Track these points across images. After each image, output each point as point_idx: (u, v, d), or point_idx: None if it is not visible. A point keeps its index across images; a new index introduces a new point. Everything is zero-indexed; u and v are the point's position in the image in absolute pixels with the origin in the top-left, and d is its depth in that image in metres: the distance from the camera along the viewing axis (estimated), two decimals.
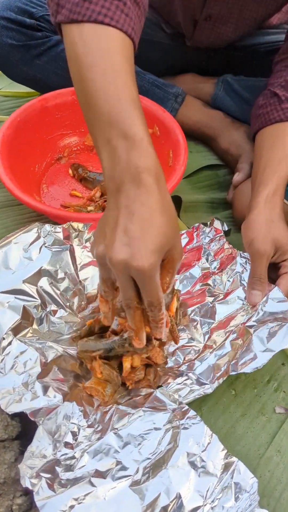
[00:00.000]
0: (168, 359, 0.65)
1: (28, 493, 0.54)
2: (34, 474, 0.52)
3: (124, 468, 0.53)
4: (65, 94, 0.88)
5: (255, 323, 0.64)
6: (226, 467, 0.53)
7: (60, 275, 0.70)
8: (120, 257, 0.45)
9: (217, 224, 0.81)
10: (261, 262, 0.66)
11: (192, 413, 0.57)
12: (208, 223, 0.81)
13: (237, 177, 0.87)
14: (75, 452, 0.55)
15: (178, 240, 0.49)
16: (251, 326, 0.63)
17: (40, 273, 0.68)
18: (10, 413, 0.55)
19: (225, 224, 0.80)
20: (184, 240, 0.80)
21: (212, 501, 0.51)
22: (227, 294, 0.70)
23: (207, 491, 0.52)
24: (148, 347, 0.58)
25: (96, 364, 0.61)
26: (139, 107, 0.50)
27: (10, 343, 0.63)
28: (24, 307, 0.65)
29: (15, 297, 0.65)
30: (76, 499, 0.50)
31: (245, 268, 0.71)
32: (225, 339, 0.64)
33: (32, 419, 0.56)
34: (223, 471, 0.53)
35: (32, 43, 0.86)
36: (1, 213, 0.89)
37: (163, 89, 0.93)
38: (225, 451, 0.54)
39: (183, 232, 0.81)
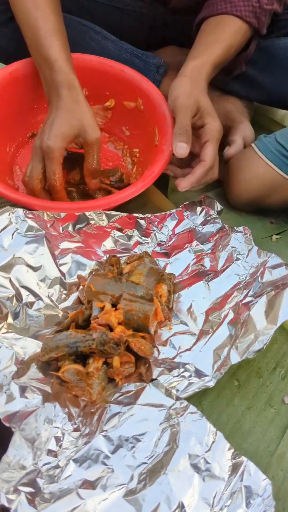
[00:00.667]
0: (160, 349, 0.58)
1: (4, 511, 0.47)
2: (11, 488, 0.44)
3: (116, 476, 0.46)
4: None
5: (252, 298, 0.57)
6: (234, 468, 0.46)
7: (37, 263, 0.62)
8: (37, 142, 0.66)
9: (209, 203, 0.74)
10: (186, 114, 0.68)
11: (192, 408, 0.50)
12: (199, 201, 0.74)
13: (228, 150, 0.81)
14: (59, 461, 0.48)
15: (88, 127, 0.66)
16: (248, 303, 0.57)
17: (14, 261, 0.61)
18: None
19: (217, 203, 0.73)
20: (173, 221, 0.73)
21: (220, 509, 0.44)
22: (221, 271, 0.63)
23: (214, 497, 0.45)
24: (116, 351, 0.53)
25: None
26: (58, 33, 0.68)
27: None
28: None
29: None
30: None
31: (239, 242, 0.65)
32: (222, 322, 0.58)
33: (7, 424, 0.48)
34: (231, 473, 0.46)
35: None
36: None
37: (143, 59, 0.86)
38: (232, 450, 0.47)
39: (172, 211, 0.74)
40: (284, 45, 0.83)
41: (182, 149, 0.67)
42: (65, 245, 0.65)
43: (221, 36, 0.75)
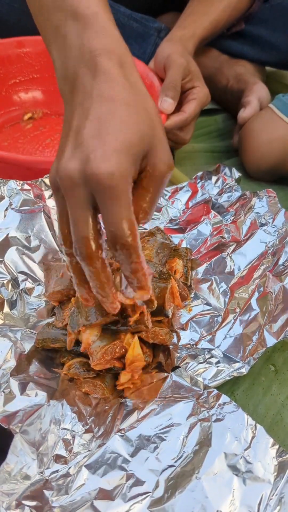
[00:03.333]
0: (180, 334, 0.50)
1: None
2: (13, 503, 0.37)
3: (138, 483, 0.38)
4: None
5: (283, 267, 0.49)
6: (281, 468, 0.38)
7: (34, 242, 0.55)
8: (70, 166, 0.32)
9: (224, 171, 0.66)
10: (178, 70, 0.66)
11: (224, 398, 0.42)
12: (213, 170, 0.67)
13: (243, 113, 0.74)
14: (69, 468, 0.41)
15: (160, 142, 0.35)
16: (280, 273, 0.49)
17: (8, 241, 0.54)
18: None
19: (234, 170, 0.66)
20: (186, 194, 0.66)
21: None
22: (245, 241, 0.56)
23: (259, 504, 0.37)
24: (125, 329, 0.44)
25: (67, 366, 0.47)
26: None
27: None
28: None
29: None
30: None
31: (263, 206, 0.57)
32: (250, 298, 0.50)
33: (5, 426, 0.40)
34: (277, 474, 0.38)
35: None
36: None
37: (143, 23, 0.80)
38: (277, 446, 0.39)
39: (184, 184, 0.66)
40: None
41: (167, 104, 0.65)
42: None
43: (208, 9, 0.75)
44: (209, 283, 0.54)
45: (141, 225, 0.35)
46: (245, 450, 0.39)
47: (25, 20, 0.75)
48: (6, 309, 0.51)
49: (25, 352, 0.48)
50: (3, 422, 0.41)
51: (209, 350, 0.48)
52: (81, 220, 0.33)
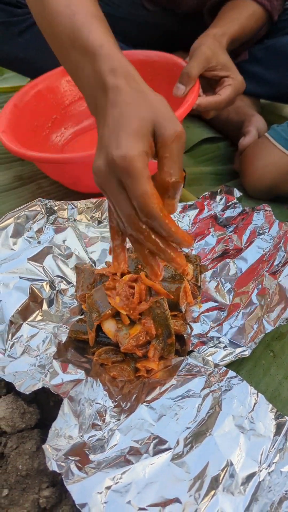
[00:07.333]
0: (192, 326, 0.59)
1: (55, 483, 0.47)
2: (61, 456, 0.45)
3: (162, 442, 0.47)
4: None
5: (278, 267, 0.59)
6: (279, 427, 0.47)
7: (67, 251, 0.64)
8: (98, 163, 0.42)
9: (228, 191, 0.76)
10: (199, 60, 0.73)
11: (231, 373, 0.51)
12: (218, 191, 0.77)
13: (243, 141, 0.84)
14: (104, 433, 0.49)
15: (164, 119, 0.42)
16: (275, 272, 0.58)
17: (45, 250, 0.63)
18: (27, 393, 0.49)
19: (236, 190, 0.76)
20: (194, 211, 0.76)
21: (268, 466, 0.44)
22: (246, 248, 0.65)
23: (261, 455, 0.45)
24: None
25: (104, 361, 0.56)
26: (97, 17, 0.50)
27: (19, 328, 0.57)
28: (31, 287, 0.60)
29: (20, 277, 0.60)
30: (112, 479, 0.43)
31: (260, 218, 0.67)
32: (251, 294, 0.59)
33: (56, 392, 0.50)
34: (275, 432, 0.47)
35: (12, 20, 0.84)
36: (6, 196, 0.85)
37: None
38: (275, 410, 0.48)
39: (192, 202, 0.76)
40: (287, 43, 0.87)
41: (179, 90, 0.72)
42: (93, 233, 0.67)
43: (237, 16, 0.83)
44: (215, 284, 0.63)
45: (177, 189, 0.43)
46: (249, 413, 0.48)
47: (50, 60, 0.85)
48: (45, 306, 0.60)
49: (62, 342, 0.57)
50: (54, 389, 0.49)
51: (217, 337, 0.57)
52: (120, 201, 0.41)
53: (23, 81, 1.19)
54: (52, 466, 0.44)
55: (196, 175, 0.86)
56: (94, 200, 0.70)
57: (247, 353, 0.54)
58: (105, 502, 0.42)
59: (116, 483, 0.43)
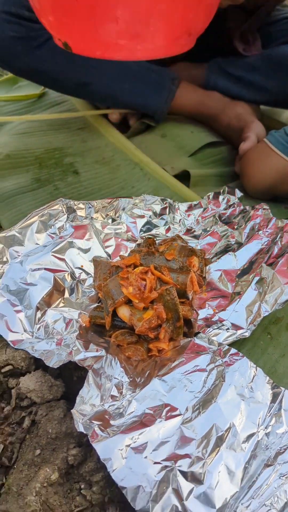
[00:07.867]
0: (198, 312, 0.66)
1: (81, 444, 0.54)
2: (86, 420, 0.52)
3: (173, 409, 0.53)
4: None
5: (274, 259, 0.66)
6: (275, 396, 0.54)
7: (86, 246, 0.72)
8: None
9: (230, 191, 0.84)
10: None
11: (233, 351, 0.58)
12: (221, 191, 0.84)
13: (243, 145, 0.91)
14: (122, 403, 0.55)
15: None
16: (272, 263, 0.66)
17: (67, 245, 0.70)
18: (55, 367, 0.56)
19: (237, 191, 0.83)
20: (199, 210, 0.83)
21: (266, 428, 0.52)
22: (246, 243, 0.72)
23: (259, 418, 0.52)
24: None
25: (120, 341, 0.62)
26: None
27: (44, 313, 0.64)
28: (54, 278, 0.67)
29: (45, 269, 0.67)
30: (131, 439, 0.50)
31: (259, 216, 0.74)
32: (251, 283, 0.66)
33: (81, 365, 0.57)
34: (272, 400, 0.54)
35: (31, 34, 0.90)
36: (26, 197, 0.90)
37: (159, 73, 0.97)
38: (272, 381, 0.55)
39: (197, 202, 0.83)
40: (284, 52, 0.95)
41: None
42: (108, 230, 0.74)
43: None
44: (219, 274, 0.70)
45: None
46: (249, 383, 0.55)
47: (63, 71, 0.92)
48: (66, 295, 0.67)
49: (83, 326, 0.65)
50: (80, 363, 0.57)
51: (221, 321, 0.64)
52: None
53: (37, 89, 1.27)
54: (79, 427, 0.51)
55: (200, 176, 0.93)
56: (108, 200, 0.77)
57: (247, 334, 0.61)
58: (125, 458, 0.49)
59: (135, 442, 0.50)
